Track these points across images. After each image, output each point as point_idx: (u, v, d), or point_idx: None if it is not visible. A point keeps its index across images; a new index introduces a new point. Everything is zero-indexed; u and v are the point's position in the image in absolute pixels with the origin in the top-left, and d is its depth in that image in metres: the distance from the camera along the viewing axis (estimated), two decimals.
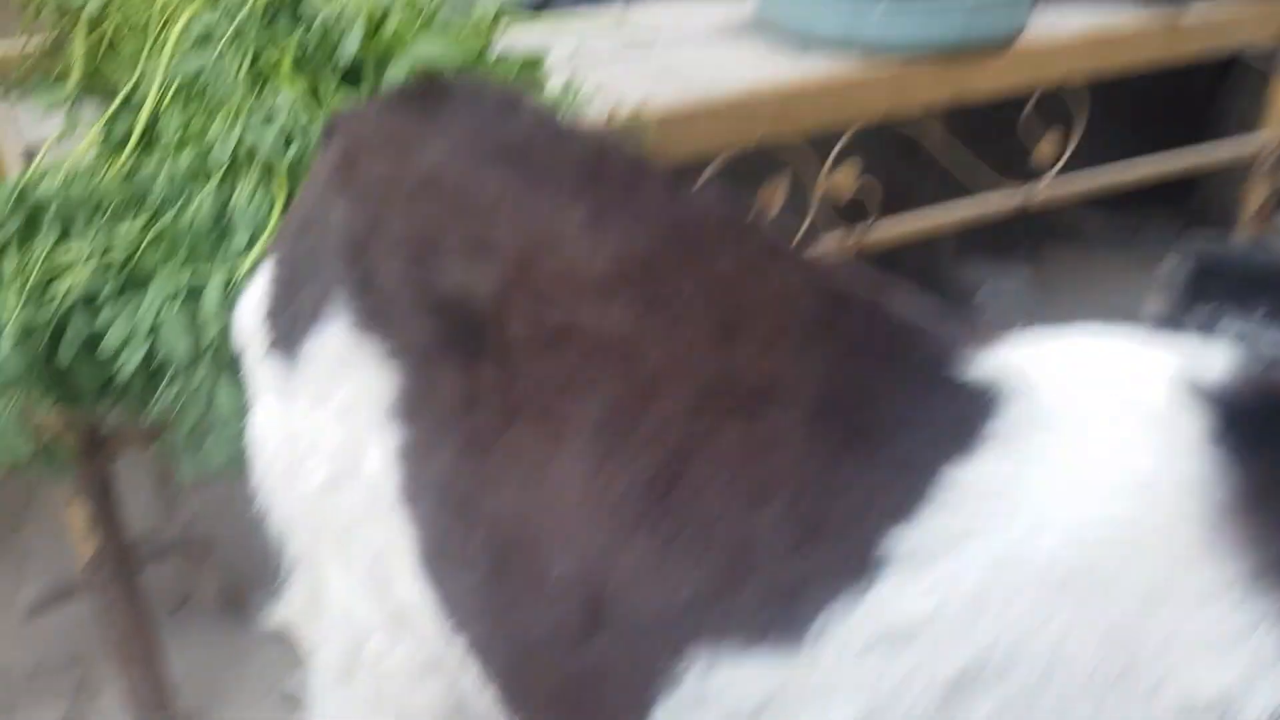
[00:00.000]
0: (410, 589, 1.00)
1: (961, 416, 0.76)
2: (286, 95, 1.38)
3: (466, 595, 0.93)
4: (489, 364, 0.88)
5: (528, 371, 0.86)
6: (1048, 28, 1.93)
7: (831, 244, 1.82)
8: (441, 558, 0.93)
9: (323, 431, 1.01)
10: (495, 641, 0.93)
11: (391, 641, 1.07)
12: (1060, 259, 2.32)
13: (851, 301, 0.83)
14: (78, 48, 1.57)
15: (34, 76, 1.72)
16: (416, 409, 0.93)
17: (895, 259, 2.26)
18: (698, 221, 0.86)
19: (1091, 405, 0.76)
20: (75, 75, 1.59)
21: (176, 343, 1.33)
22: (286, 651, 1.73)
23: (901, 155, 2.13)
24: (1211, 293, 1.91)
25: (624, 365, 0.82)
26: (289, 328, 1.04)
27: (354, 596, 1.06)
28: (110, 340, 1.35)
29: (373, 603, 1.05)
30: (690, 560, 0.79)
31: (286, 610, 1.18)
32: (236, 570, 1.66)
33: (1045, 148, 1.97)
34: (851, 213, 1.83)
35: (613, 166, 0.90)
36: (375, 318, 0.95)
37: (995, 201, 2.00)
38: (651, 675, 0.80)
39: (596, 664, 0.84)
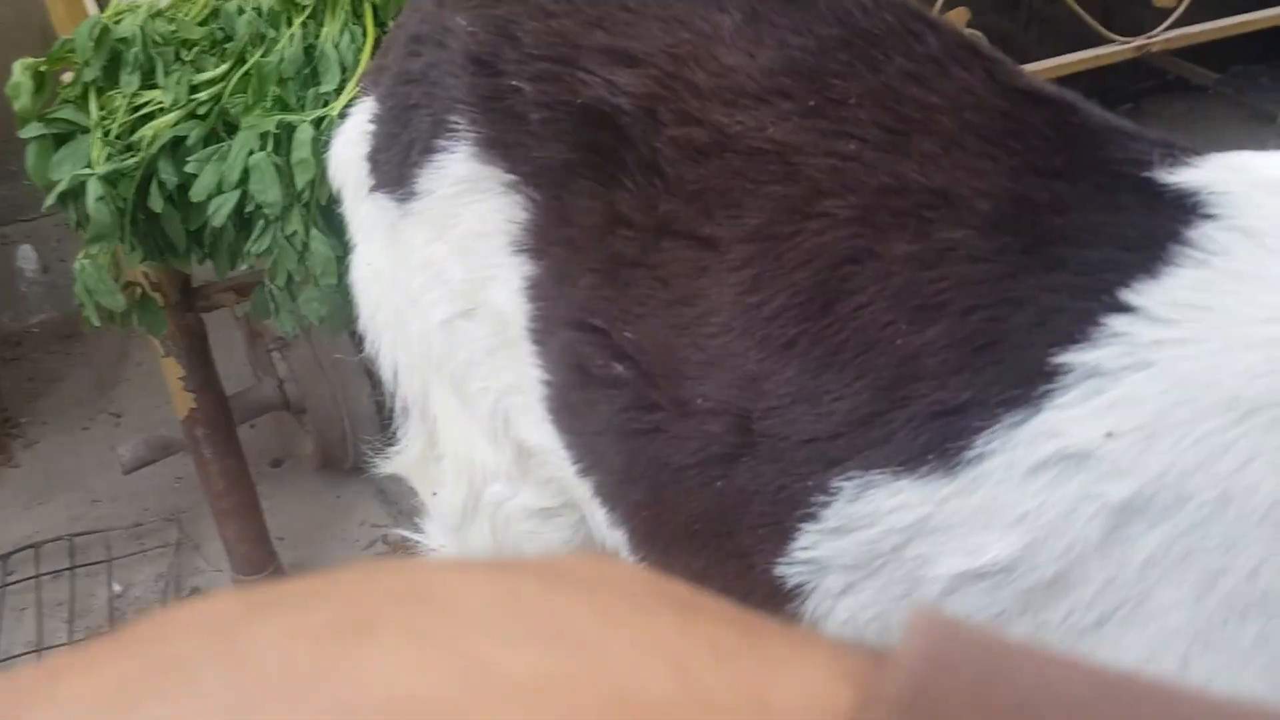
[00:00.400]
0: (534, 431, 0.97)
1: (1157, 225, 0.70)
2: None
3: (602, 429, 0.89)
4: (631, 182, 0.82)
5: (675, 187, 0.80)
6: None
7: None
8: (575, 392, 0.90)
9: (442, 267, 0.97)
10: (631, 474, 0.90)
11: (513, 488, 1.04)
12: (1166, 113, 2.21)
13: (1041, 100, 0.75)
14: None
15: None
16: (547, 240, 0.89)
17: None
18: (867, 21, 0.79)
19: None
20: None
21: (268, 190, 1.29)
22: (386, 506, 1.73)
23: (1007, 5, 2.00)
24: None
25: (782, 176, 0.77)
26: (399, 161, 0.99)
27: (474, 439, 1.04)
28: (199, 188, 1.31)
29: (494, 445, 1.03)
30: (847, 380, 0.74)
31: (401, 459, 1.15)
32: (333, 427, 1.66)
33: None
34: None
35: None
36: (501, 141, 0.89)
37: (1105, 53, 1.88)
38: (797, 500, 0.77)
39: (741, 489, 0.80)
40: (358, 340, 1.18)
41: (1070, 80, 1.91)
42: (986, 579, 0.72)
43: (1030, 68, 1.86)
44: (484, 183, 0.91)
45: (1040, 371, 0.69)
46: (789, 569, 0.81)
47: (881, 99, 0.76)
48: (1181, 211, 0.70)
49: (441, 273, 0.97)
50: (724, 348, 0.80)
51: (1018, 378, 0.70)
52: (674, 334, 0.82)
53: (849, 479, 0.75)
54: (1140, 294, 0.68)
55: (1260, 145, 0.78)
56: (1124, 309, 0.68)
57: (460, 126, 0.91)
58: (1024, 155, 0.73)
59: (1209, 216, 0.69)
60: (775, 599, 0.85)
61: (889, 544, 0.75)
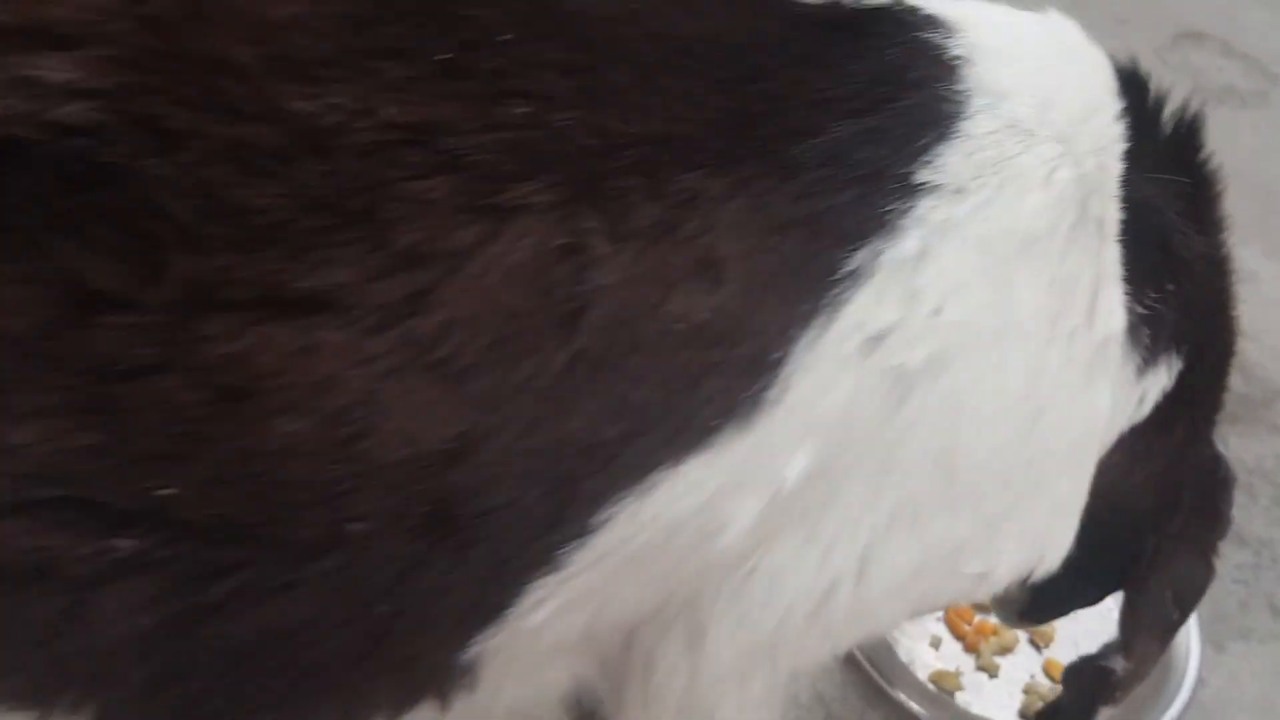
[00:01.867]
0: None
1: (909, 86, 0.59)
2: None
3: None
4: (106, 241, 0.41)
5: (217, 229, 0.43)
6: None
7: None
8: None
9: None
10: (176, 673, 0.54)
11: None
12: None
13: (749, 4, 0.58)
14: None
15: None
16: None
17: None
18: None
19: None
20: None
21: None
22: None
23: None
24: None
25: (433, 169, 0.47)
26: None
27: None
28: None
29: None
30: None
31: None
32: None
33: None
34: None
35: None
36: None
37: None
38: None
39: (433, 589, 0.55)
40: None
41: None
42: None
43: None
44: None
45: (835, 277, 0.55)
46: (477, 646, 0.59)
47: (541, 28, 0.48)
48: (924, 60, 0.60)
49: None
50: (388, 449, 0.48)
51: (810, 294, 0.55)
52: (273, 461, 0.47)
53: None
54: (935, 168, 0.58)
55: None
56: (918, 189, 0.57)
57: None
58: (729, 67, 0.53)
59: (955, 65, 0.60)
60: (447, 685, 0.63)
61: None
